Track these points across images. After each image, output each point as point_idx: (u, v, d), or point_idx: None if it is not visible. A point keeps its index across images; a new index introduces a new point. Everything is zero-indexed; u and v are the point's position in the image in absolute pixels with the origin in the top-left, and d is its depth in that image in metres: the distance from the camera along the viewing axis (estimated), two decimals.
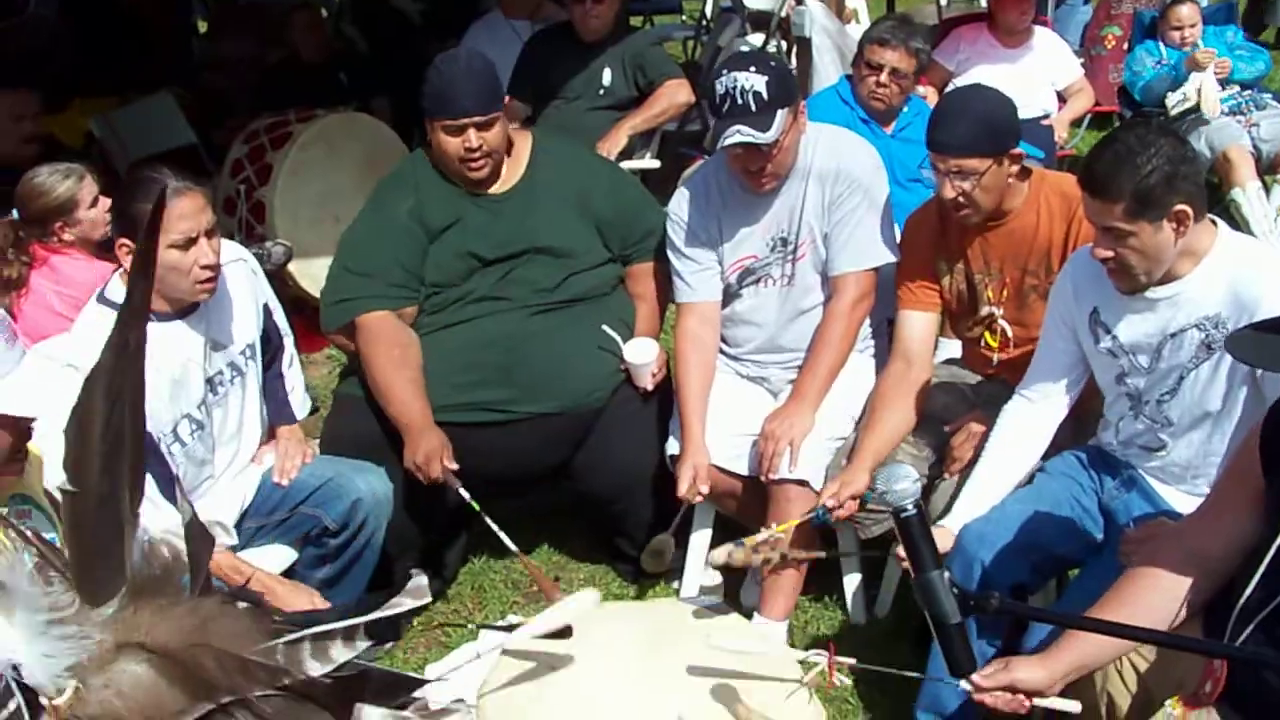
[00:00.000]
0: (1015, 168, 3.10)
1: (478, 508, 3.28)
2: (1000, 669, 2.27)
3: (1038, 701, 2.29)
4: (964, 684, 2.26)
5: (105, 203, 3.78)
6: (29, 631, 0.89)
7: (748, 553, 3.09)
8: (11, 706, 0.88)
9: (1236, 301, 2.56)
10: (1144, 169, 2.48)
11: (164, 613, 0.96)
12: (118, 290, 2.93)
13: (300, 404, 3.53)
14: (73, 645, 0.89)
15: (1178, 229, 2.53)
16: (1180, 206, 2.50)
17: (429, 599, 1.18)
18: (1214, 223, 2.67)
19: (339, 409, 3.63)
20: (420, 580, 1.17)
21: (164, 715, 0.89)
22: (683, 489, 3.29)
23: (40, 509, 2.31)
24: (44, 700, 0.87)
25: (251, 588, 2.96)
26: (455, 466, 3.28)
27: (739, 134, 3.16)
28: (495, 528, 3.29)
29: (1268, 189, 5.80)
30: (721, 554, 3.08)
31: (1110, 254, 2.59)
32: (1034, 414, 3.01)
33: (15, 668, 0.88)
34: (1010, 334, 3.27)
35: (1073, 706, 2.29)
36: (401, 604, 1.13)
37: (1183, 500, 2.81)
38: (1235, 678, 2.17)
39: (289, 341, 3.49)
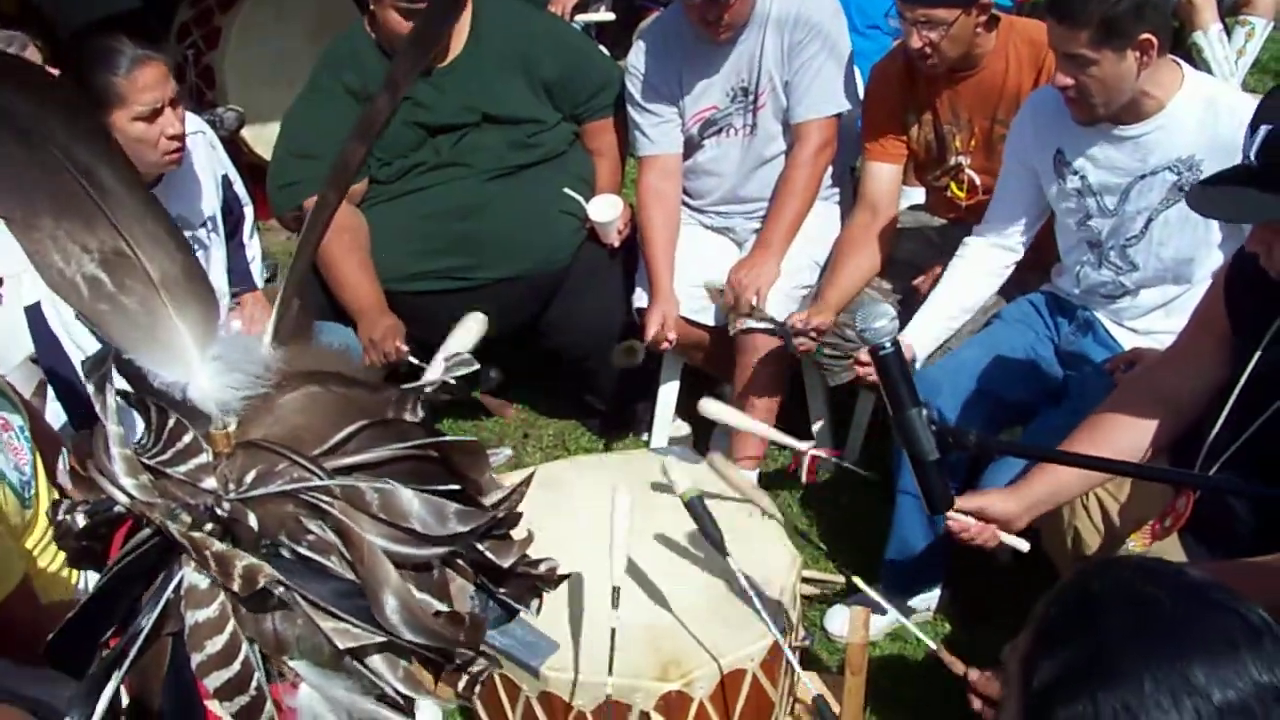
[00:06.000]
0: (983, 17, 3.02)
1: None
2: (971, 496, 2.31)
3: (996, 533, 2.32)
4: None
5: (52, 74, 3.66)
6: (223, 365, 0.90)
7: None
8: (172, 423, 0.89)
9: (1214, 142, 2.53)
10: None
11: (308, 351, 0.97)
12: None
13: (260, 273, 3.51)
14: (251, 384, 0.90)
15: (1141, 59, 2.50)
16: (1145, 36, 2.47)
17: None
18: (1178, 64, 2.64)
19: None
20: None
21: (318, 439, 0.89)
22: (650, 333, 3.31)
23: None
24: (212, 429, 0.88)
25: None
26: (407, 349, 3.29)
27: None
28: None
29: (1229, 31, 5.74)
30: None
31: (1070, 82, 2.56)
32: (988, 252, 3.02)
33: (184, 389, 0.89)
34: (978, 182, 3.25)
35: (1021, 545, 2.34)
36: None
37: (1140, 343, 2.84)
38: (1199, 510, 2.23)
39: (249, 211, 3.45)
